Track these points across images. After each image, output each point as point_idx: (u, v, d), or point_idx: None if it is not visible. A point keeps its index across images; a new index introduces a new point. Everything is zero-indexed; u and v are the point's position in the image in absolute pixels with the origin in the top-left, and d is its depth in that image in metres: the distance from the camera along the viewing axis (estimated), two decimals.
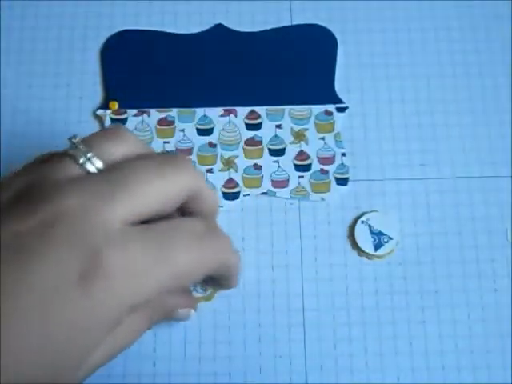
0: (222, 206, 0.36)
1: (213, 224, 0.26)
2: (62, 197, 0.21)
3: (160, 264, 0.22)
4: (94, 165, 0.23)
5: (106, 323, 0.21)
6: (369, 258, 0.35)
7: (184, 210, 0.26)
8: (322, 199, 0.36)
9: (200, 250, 0.24)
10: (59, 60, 0.39)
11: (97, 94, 0.39)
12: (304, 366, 0.34)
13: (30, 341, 0.19)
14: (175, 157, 0.25)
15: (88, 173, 0.23)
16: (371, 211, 0.36)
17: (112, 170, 0.23)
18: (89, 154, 0.23)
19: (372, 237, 0.35)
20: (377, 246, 0.35)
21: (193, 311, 0.30)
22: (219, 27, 0.40)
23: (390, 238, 0.35)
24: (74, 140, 0.24)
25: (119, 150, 0.24)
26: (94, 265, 0.20)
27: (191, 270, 0.23)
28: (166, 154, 0.26)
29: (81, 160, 0.23)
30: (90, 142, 0.24)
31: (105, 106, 0.38)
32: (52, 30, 0.40)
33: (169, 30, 0.40)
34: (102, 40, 0.40)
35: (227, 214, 0.36)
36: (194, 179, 0.24)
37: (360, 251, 0.35)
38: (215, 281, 0.29)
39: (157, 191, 0.23)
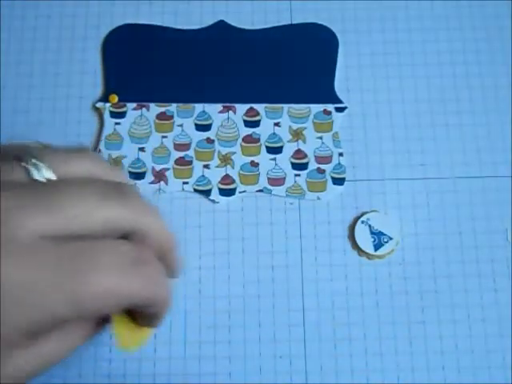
0: (217, 203, 0.36)
1: (147, 254, 0.23)
2: None
3: (62, 287, 0.20)
4: (42, 174, 0.22)
5: None
6: (369, 258, 0.35)
7: None
8: (318, 198, 0.36)
9: (118, 278, 0.21)
10: (59, 60, 0.39)
11: (96, 94, 0.39)
12: (304, 366, 0.34)
13: None
14: (122, 188, 0.23)
15: (33, 181, 0.22)
16: (371, 211, 0.36)
17: (53, 183, 0.22)
18: (38, 162, 0.22)
19: (372, 237, 0.35)
20: (377, 246, 0.35)
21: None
22: (221, 23, 0.40)
23: (390, 238, 0.35)
24: (33, 145, 0.23)
25: (76, 167, 0.23)
26: None
27: (101, 300, 0.20)
28: (120, 184, 0.24)
29: (28, 166, 0.22)
30: (48, 152, 0.23)
31: (104, 98, 0.38)
32: (52, 29, 0.40)
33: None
34: (101, 40, 0.40)
35: (227, 214, 0.36)
36: (131, 215, 0.22)
37: (360, 251, 0.35)
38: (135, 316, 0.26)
39: (79, 215, 0.21)
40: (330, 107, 0.38)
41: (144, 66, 0.39)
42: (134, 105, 0.38)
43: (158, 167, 0.37)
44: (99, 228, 0.22)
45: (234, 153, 0.37)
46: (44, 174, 0.22)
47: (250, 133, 0.38)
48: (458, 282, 0.35)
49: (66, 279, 0.20)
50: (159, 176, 0.37)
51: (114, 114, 0.38)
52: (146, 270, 0.22)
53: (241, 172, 0.37)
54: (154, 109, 0.38)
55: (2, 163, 0.22)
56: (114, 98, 0.38)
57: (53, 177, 0.22)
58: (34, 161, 0.22)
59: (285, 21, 0.40)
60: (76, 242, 0.21)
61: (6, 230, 0.20)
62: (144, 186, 0.37)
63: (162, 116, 0.38)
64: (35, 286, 0.19)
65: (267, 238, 0.36)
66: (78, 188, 0.22)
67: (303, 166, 0.37)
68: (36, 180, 0.22)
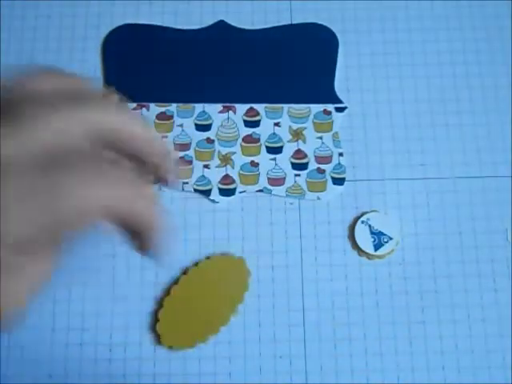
0: (217, 203, 0.36)
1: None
2: None
3: (48, 194, 0.19)
4: None
5: None
6: (369, 258, 0.35)
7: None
8: (318, 198, 0.36)
9: (101, 185, 0.20)
10: (59, 60, 0.39)
11: None
12: (304, 366, 0.34)
13: None
14: (89, 92, 0.21)
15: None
16: (371, 211, 0.36)
17: (19, 100, 0.20)
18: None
19: (372, 237, 0.35)
20: (377, 246, 0.35)
21: None
22: (221, 23, 0.40)
23: (390, 238, 0.35)
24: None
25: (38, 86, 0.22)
26: None
27: (85, 206, 0.20)
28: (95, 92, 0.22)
29: None
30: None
31: None
32: (52, 29, 0.40)
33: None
34: (101, 40, 0.40)
35: (227, 214, 0.36)
36: (104, 117, 0.21)
37: (360, 251, 0.35)
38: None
39: (53, 127, 0.20)
40: (330, 107, 0.38)
41: (144, 65, 0.39)
42: (134, 105, 0.38)
43: None
44: (80, 137, 0.20)
45: (234, 153, 0.37)
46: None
47: (250, 133, 0.38)
48: (458, 282, 0.35)
49: (55, 184, 0.19)
50: None
51: None
52: (132, 183, 0.21)
53: (241, 172, 0.37)
54: (154, 109, 0.38)
55: None
56: None
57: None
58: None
59: (285, 21, 0.40)
60: (56, 156, 0.20)
61: None
62: None
63: (161, 116, 0.38)
64: (29, 192, 0.19)
65: (267, 238, 0.36)
66: (46, 100, 0.20)
67: (303, 166, 0.37)
68: None
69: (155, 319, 0.34)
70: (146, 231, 0.22)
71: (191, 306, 0.34)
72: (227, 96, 0.38)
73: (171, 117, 0.38)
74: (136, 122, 0.22)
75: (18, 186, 0.19)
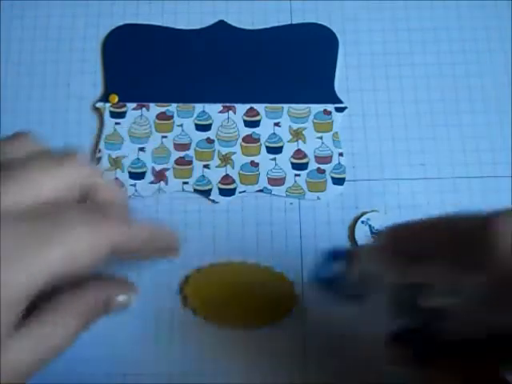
0: (217, 203, 0.36)
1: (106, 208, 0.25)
2: None
3: (49, 245, 0.21)
4: None
5: None
6: None
7: None
8: (318, 198, 0.36)
9: (92, 228, 0.22)
10: (59, 60, 0.39)
11: (97, 94, 0.39)
12: (304, 366, 0.34)
13: None
14: (66, 153, 0.24)
15: None
16: (371, 211, 0.36)
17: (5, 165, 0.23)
18: None
19: (372, 237, 0.35)
20: None
21: (132, 296, 0.26)
22: (221, 23, 0.40)
23: None
24: None
25: (16, 150, 0.24)
26: None
27: (85, 250, 0.22)
28: (64, 153, 0.25)
29: None
30: None
31: (104, 98, 0.38)
32: (52, 30, 0.40)
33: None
34: (101, 40, 0.40)
35: (227, 214, 0.36)
36: (84, 173, 0.24)
37: None
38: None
39: (27, 187, 0.22)
40: (330, 107, 0.38)
41: (144, 65, 0.39)
42: (134, 105, 0.38)
43: (158, 167, 0.37)
44: (53, 193, 0.23)
45: (234, 153, 0.37)
46: None
47: (250, 133, 0.38)
48: None
49: (52, 236, 0.21)
50: (159, 176, 0.37)
51: (113, 114, 0.38)
52: (108, 218, 0.23)
53: (241, 172, 0.37)
54: (154, 109, 0.38)
55: None
56: (114, 98, 0.38)
57: None
58: None
59: (285, 21, 0.40)
60: (43, 206, 0.22)
61: None
62: (144, 185, 0.37)
63: (161, 116, 0.38)
64: (29, 248, 0.20)
65: (267, 237, 0.36)
66: (31, 161, 0.23)
67: (303, 166, 0.37)
68: None
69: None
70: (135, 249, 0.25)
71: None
72: (227, 96, 0.38)
73: (171, 117, 0.38)
74: (100, 175, 0.26)
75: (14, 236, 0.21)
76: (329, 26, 0.40)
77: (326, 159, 0.37)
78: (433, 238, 0.22)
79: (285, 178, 0.37)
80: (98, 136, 0.38)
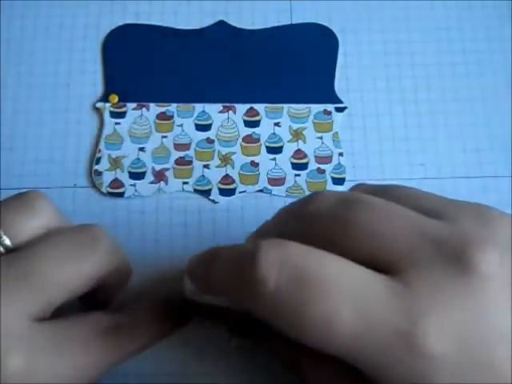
0: (217, 202, 0.36)
1: (118, 318, 0.25)
2: None
3: (62, 364, 0.22)
4: (3, 243, 0.22)
5: None
6: None
7: None
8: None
9: (101, 347, 0.23)
10: (59, 60, 0.40)
11: (97, 94, 0.39)
12: None
13: None
14: (89, 233, 0.23)
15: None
16: None
17: (20, 254, 0.22)
18: None
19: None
20: None
21: None
22: (221, 24, 0.40)
23: None
24: None
25: (28, 224, 0.23)
26: None
27: (92, 366, 0.23)
28: (80, 229, 0.24)
29: None
30: None
31: (104, 98, 0.38)
32: (52, 29, 0.40)
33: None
34: (101, 40, 0.40)
35: (227, 214, 0.36)
36: (111, 258, 0.24)
37: None
38: None
39: (69, 278, 0.22)
40: (330, 107, 0.38)
41: (144, 65, 0.39)
42: (134, 105, 0.38)
43: (158, 167, 0.37)
44: (91, 282, 0.23)
45: (234, 153, 0.37)
46: (4, 242, 0.22)
47: (250, 133, 0.38)
48: None
49: (65, 354, 0.22)
50: (159, 176, 0.37)
51: (113, 114, 0.38)
52: (124, 334, 0.24)
53: (241, 172, 0.37)
54: (154, 109, 0.38)
55: None
56: (114, 98, 0.38)
57: (10, 244, 0.22)
58: None
59: (285, 21, 0.40)
60: (61, 321, 0.23)
61: None
62: (144, 185, 0.37)
63: (162, 116, 0.38)
64: (44, 368, 0.21)
65: None
66: (51, 251, 0.22)
67: (303, 166, 0.37)
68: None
69: None
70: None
71: None
72: (227, 96, 0.38)
73: (171, 117, 0.38)
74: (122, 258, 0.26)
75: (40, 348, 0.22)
76: (329, 26, 0.40)
77: (326, 159, 0.37)
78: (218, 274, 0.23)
79: (285, 178, 0.37)
80: (98, 136, 0.38)
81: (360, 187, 0.26)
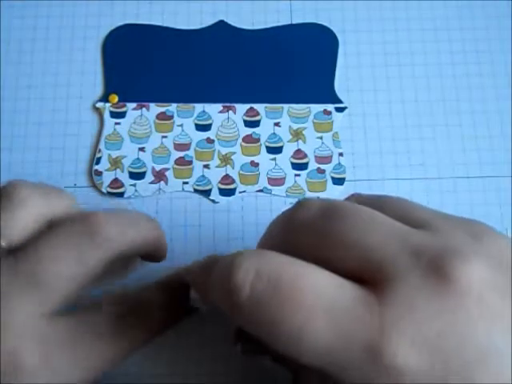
0: (217, 202, 0.36)
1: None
2: None
3: (76, 358, 0.22)
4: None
5: None
6: None
7: None
8: (318, 198, 0.36)
9: (113, 339, 0.23)
10: (59, 60, 0.40)
11: (97, 94, 0.39)
12: None
13: None
14: (90, 223, 0.23)
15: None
16: None
17: (22, 255, 0.22)
18: None
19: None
20: None
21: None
22: (221, 24, 0.40)
23: None
24: None
25: (17, 218, 0.22)
26: (11, 369, 0.20)
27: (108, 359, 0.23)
28: (80, 217, 0.23)
29: None
30: None
31: (104, 98, 0.38)
32: (52, 29, 0.40)
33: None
34: (101, 40, 0.40)
35: (227, 214, 0.36)
36: (120, 239, 0.24)
37: None
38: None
39: (75, 271, 0.22)
40: (330, 107, 0.38)
41: (144, 65, 0.39)
42: (134, 105, 0.38)
43: (158, 167, 0.37)
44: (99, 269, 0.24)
45: (234, 153, 0.37)
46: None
47: (250, 133, 0.38)
48: None
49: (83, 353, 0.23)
50: (159, 176, 0.37)
51: (113, 114, 0.38)
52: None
53: (241, 172, 0.37)
54: (154, 109, 0.38)
55: None
56: (114, 98, 0.38)
57: (4, 245, 0.22)
58: None
59: (285, 21, 0.40)
60: (73, 318, 0.23)
61: (8, 326, 0.20)
62: (144, 185, 0.37)
63: (161, 116, 0.38)
64: (61, 363, 0.22)
65: None
66: (50, 250, 0.22)
67: (303, 166, 0.37)
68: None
69: None
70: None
71: None
72: (227, 96, 0.38)
73: (171, 117, 0.38)
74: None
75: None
76: (329, 26, 0.40)
77: (326, 159, 0.37)
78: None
79: (285, 177, 0.37)
80: (98, 136, 0.38)
81: (353, 197, 0.26)
